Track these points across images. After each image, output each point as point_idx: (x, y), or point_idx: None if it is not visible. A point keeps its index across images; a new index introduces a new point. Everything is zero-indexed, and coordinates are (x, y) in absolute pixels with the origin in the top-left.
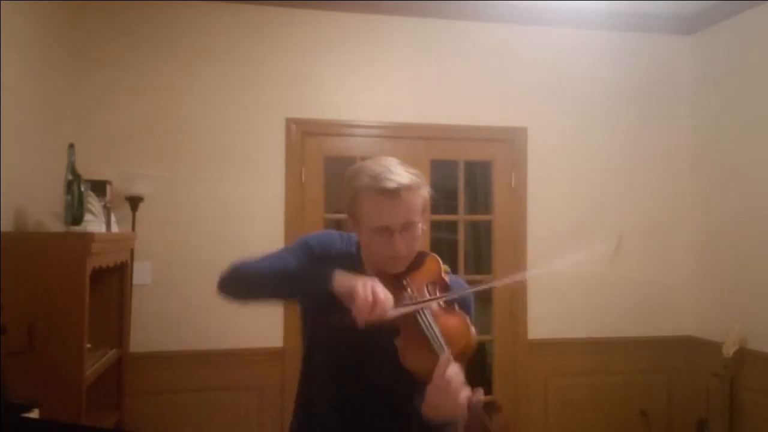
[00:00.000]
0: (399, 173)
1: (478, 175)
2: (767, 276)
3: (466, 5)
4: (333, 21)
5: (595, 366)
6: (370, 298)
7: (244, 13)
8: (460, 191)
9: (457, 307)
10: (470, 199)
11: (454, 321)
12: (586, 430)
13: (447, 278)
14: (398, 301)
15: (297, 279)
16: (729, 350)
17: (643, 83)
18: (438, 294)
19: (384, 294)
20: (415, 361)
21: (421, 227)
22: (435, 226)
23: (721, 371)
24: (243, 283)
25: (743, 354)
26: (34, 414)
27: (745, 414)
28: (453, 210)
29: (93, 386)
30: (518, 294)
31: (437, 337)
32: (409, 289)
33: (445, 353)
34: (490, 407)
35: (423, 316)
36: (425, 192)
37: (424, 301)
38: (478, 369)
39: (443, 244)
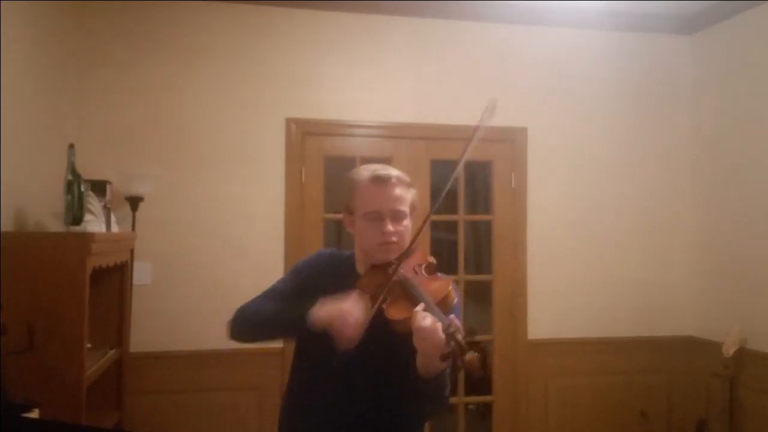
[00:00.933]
0: (392, 169)
1: (478, 175)
2: (767, 276)
3: (466, 5)
4: (333, 21)
5: (595, 366)
6: (342, 327)
7: (244, 13)
8: (460, 191)
9: (440, 275)
10: (470, 199)
11: (436, 283)
12: (586, 430)
13: (431, 259)
14: (387, 277)
15: (281, 326)
16: (729, 350)
17: (643, 83)
18: (423, 271)
19: (352, 313)
20: (397, 311)
21: (409, 222)
22: (435, 226)
23: (721, 371)
24: (244, 335)
25: (743, 354)
26: (34, 414)
27: (745, 414)
28: (453, 210)
29: (93, 386)
30: (518, 294)
31: (418, 290)
32: (395, 267)
33: (422, 304)
34: (471, 341)
35: (406, 280)
36: (414, 192)
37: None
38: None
39: (443, 244)
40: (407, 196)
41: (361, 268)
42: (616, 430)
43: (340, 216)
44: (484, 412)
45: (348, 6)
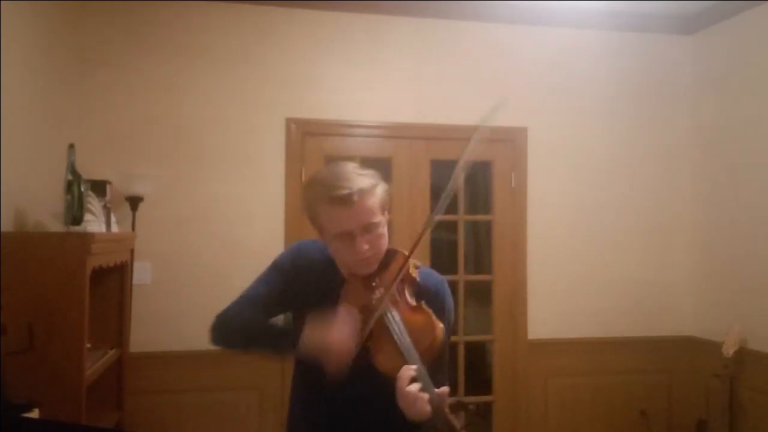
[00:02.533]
0: (349, 177)
1: (478, 175)
2: (767, 276)
3: (466, 5)
4: (333, 21)
5: (595, 366)
6: (333, 358)
7: (244, 13)
8: (460, 191)
9: (424, 305)
10: (470, 199)
11: (420, 319)
12: (586, 430)
13: (416, 273)
14: (368, 303)
15: (267, 350)
16: (729, 350)
17: (643, 83)
18: (405, 290)
19: (342, 345)
20: (386, 365)
21: (384, 226)
22: (435, 226)
23: (721, 371)
24: (227, 344)
25: (743, 354)
26: (34, 414)
27: (745, 414)
28: (453, 210)
29: (93, 386)
30: (518, 294)
31: (403, 338)
32: (377, 291)
33: (406, 367)
34: (455, 406)
35: (390, 317)
36: (381, 190)
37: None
38: (478, 369)
39: (443, 244)
40: (375, 203)
41: (344, 269)
42: (616, 430)
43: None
44: (484, 412)
45: (348, 6)
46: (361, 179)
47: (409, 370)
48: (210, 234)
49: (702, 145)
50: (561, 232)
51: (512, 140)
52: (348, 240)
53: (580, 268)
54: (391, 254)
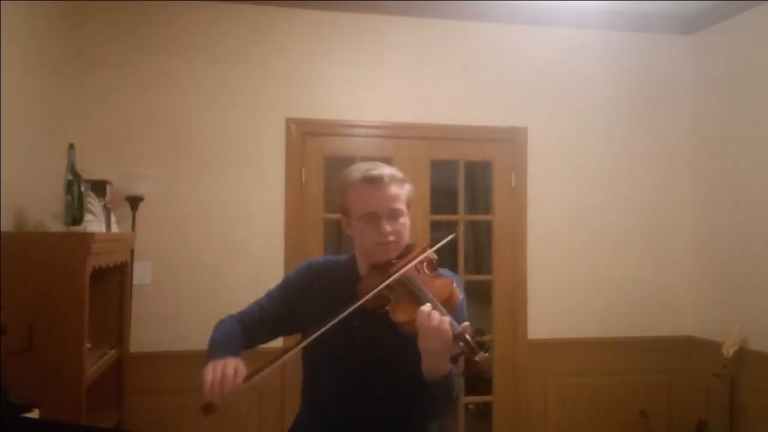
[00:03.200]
0: (383, 167)
1: (478, 175)
2: (767, 276)
3: (466, 5)
4: (333, 21)
5: (595, 366)
6: (215, 385)
7: (244, 13)
8: (460, 191)
9: (441, 271)
10: (470, 199)
11: (441, 281)
12: (586, 430)
13: (433, 256)
14: (388, 277)
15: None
16: (729, 350)
17: (643, 83)
18: (425, 269)
19: (229, 375)
20: (403, 313)
21: (407, 219)
22: (435, 226)
23: (721, 371)
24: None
25: (743, 354)
26: (34, 414)
27: (745, 414)
28: (453, 210)
29: (93, 386)
30: (518, 294)
31: (423, 290)
32: (396, 266)
33: (428, 304)
34: (477, 332)
35: (409, 280)
36: (408, 188)
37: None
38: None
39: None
40: (402, 193)
41: (363, 270)
42: (616, 430)
43: (339, 216)
44: (484, 412)
45: (348, 6)
46: (391, 170)
47: (427, 306)
48: (210, 234)
49: (702, 145)
50: (561, 232)
51: (512, 140)
52: (373, 221)
53: (580, 268)
54: (410, 246)
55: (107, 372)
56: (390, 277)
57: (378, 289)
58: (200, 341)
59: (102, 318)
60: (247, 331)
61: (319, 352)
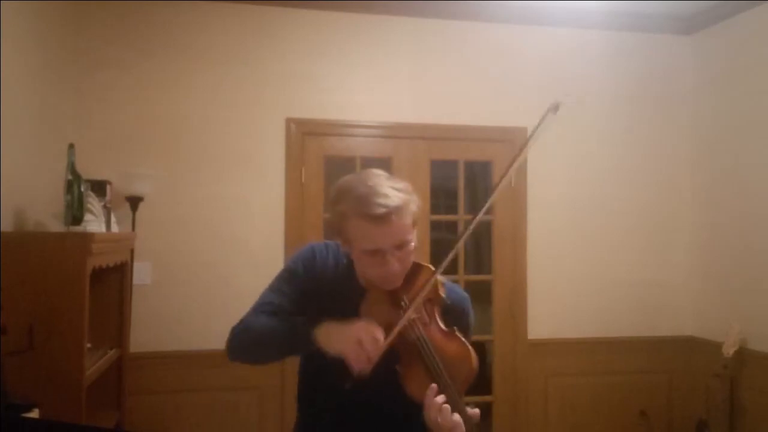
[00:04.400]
0: (386, 194)
1: (478, 175)
2: (767, 276)
3: (466, 5)
4: (333, 21)
5: (595, 366)
6: (361, 354)
7: (244, 13)
8: (460, 191)
9: (457, 332)
10: (470, 199)
11: (455, 348)
12: (586, 430)
13: (443, 292)
14: (394, 322)
15: (284, 348)
16: (729, 350)
17: (643, 83)
18: (435, 312)
19: (370, 335)
20: (417, 390)
21: (414, 241)
22: (435, 226)
23: (721, 371)
24: (244, 357)
25: (743, 354)
26: (34, 414)
27: (745, 414)
28: (453, 210)
29: (93, 386)
30: (518, 294)
31: (438, 367)
32: (407, 310)
33: (436, 394)
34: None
35: (423, 344)
36: (414, 206)
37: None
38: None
39: (443, 244)
40: (408, 220)
41: (363, 279)
42: (616, 430)
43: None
44: (484, 412)
45: (348, 6)
46: (397, 196)
47: (441, 397)
48: (210, 234)
49: (702, 145)
50: (561, 232)
51: (512, 140)
52: (378, 257)
53: (580, 268)
54: (416, 268)
55: (107, 372)
56: (399, 330)
57: (403, 323)
58: (200, 341)
59: (102, 318)
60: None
61: (319, 372)
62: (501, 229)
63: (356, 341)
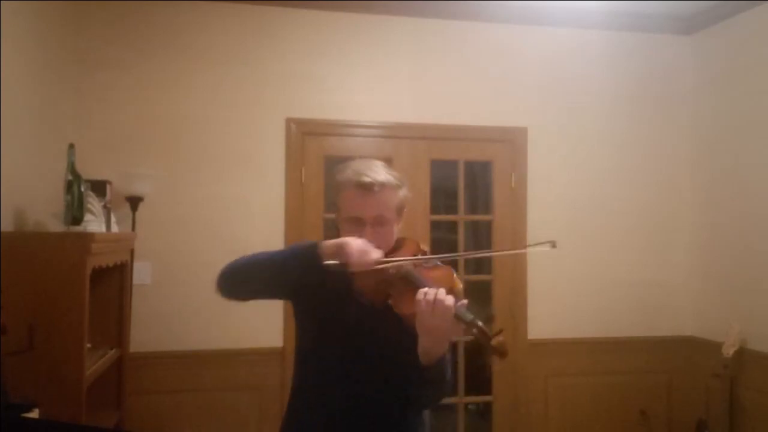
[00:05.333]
0: (378, 172)
1: (478, 175)
2: (767, 276)
3: (466, 5)
4: (333, 21)
5: (595, 366)
6: (361, 243)
7: (244, 13)
8: (460, 191)
9: (440, 263)
10: (470, 199)
11: (440, 272)
12: (586, 430)
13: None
14: (386, 272)
15: (287, 258)
16: (729, 350)
17: (643, 83)
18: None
19: (365, 242)
20: (408, 304)
21: (395, 227)
22: (435, 226)
23: (721, 371)
24: (239, 276)
25: (743, 354)
26: (34, 414)
27: (745, 414)
28: (453, 210)
29: (93, 386)
30: (518, 294)
31: (423, 281)
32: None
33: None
34: (486, 318)
35: (410, 274)
36: (403, 194)
37: (406, 260)
38: (478, 369)
39: (443, 244)
40: (392, 200)
41: None
42: (616, 430)
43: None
44: (484, 412)
45: (348, 6)
46: (387, 176)
47: (431, 289)
48: (210, 234)
49: (702, 145)
50: (561, 232)
51: (512, 140)
52: (358, 227)
53: (580, 268)
54: (401, 241)
55: (107, 372)
56: (387, 270)
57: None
58: (200, 341)
59: (102, 318)
60: None
61: (315, 343)
62: (501, 229)
63: (357, 239)
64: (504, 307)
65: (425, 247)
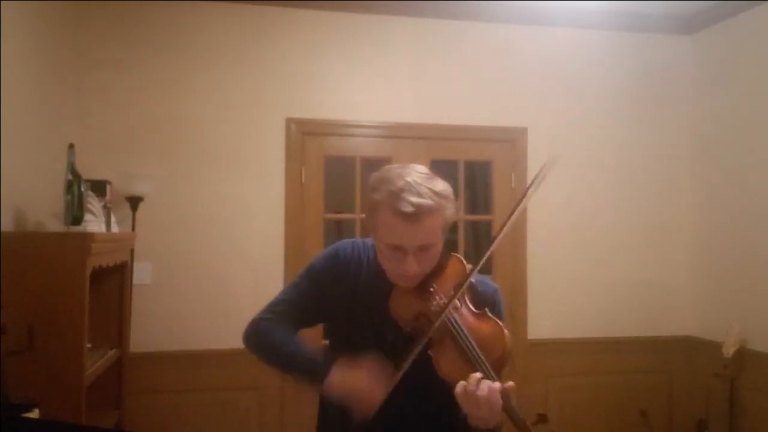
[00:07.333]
0: (421, 193)
1: (478, 175)
2: (767, 276)
3: (466, 5)
4: (333, 21)
5: (595, 366)
6: (362, 404)
7: (244, 13)
8: (460, 191)
9: (488, 312)
10: (470, 199)
11: (488, 328)
12: (586, 430)
13: (474, 280)
14: (425, 310)
15: (296, 370)
16: (729, 350)
17: (643, 83)
18: (466, 298)
19: (372, 388)
20: (451, 373)
21: (440, 244)
22: None
23: (721, 371)
24: (258, 355)
25: (743, 354)
26: (34, 414)
27: (745, 414)
28: None
29: (93, 386)
30: (518, 294)
31: (473, 348)
32: (437, 297)
33: (473, 375)
34: (539, 417)
35: (455, 326)
36: (449, 212)
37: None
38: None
39: (443, 244)
40: (437, 224)
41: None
42: (616, 430)
43: (340, 216)
44: None
45: (348, 6)
46: (431, 197)
47: (477, 375)
48: (210, 234)
49: (702, 145)
50: (561, 232)
51: (512, 140)
52: (399, 253)
53: (580, 268)
54: (444, 258)
55: (107, 372)
56: (431, 314)
57: (422, 344)
58: (200, 341)
59: (102, 318)
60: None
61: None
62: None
63: (358, 391)
64: (504, 307)
65: (469, 263)
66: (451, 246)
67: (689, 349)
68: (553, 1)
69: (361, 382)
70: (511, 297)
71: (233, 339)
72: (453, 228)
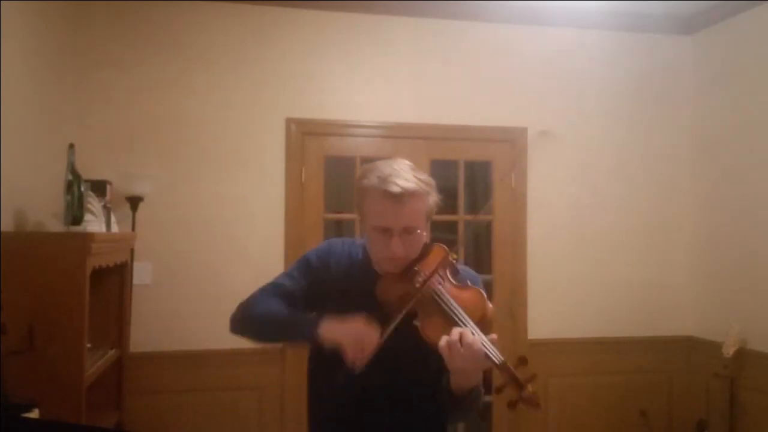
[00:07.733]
0: (407, 178)
1: (478, 175)
2: (767, 276)
3: (466, 5)
4: (333, 21)
5: (595, 366)
6: (357, 346)
7: (244, 13)
8: (460, 191)
9: (469, 282)
10: (470, 199)
11: (469, 293)
12: (586, 430)
13: (456, 264)
14: (411, 286)
15: (286, 333)
16: (729, 350)
17: (643, 83)
18: (449, 276)
19: (368, 332)
20: (435, 331)
21: (423, 233)
22: (435, 226)
23: (721, 371)
24: (246, 332)
25: (743, 354)
26: (34, 414)
27: (745, 414)
28: (453, 210)
29: (93, 386)
30: (518, 294)
31: (455, 308)
32: (420, 275)
33: (455, 329)
34: (520, 360)
35: (438, 294)
36: (432, 200)
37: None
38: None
39: (443, 244)
40: (422, 208)
41: (378, 266)
42: (616, 430)
43: (340, 216)
44: (484, 412)
45: (348, 6)
46: (416, 182)
47: (457, 330)
48: (210, 234)
49: (702, 145)
50: (561, 232)
51: (512, 140)
52: (385, 236)
53: (580, 268)
54: (428, 246)
55: (107, 372)
56: (415, 288)
57: (406, 309)
58: (200, 341)
59: (102, 318)
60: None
61: (327, 360)
62: (501, 229)
63: (353, 334)
64: (504, 307)
65: (453, 255)
66: (451, 246)
67: (689, 349)
68: (553, 1)
69: (357, 324)
70: (511, 297)
71: (233, 339)
72: (453, 228)
